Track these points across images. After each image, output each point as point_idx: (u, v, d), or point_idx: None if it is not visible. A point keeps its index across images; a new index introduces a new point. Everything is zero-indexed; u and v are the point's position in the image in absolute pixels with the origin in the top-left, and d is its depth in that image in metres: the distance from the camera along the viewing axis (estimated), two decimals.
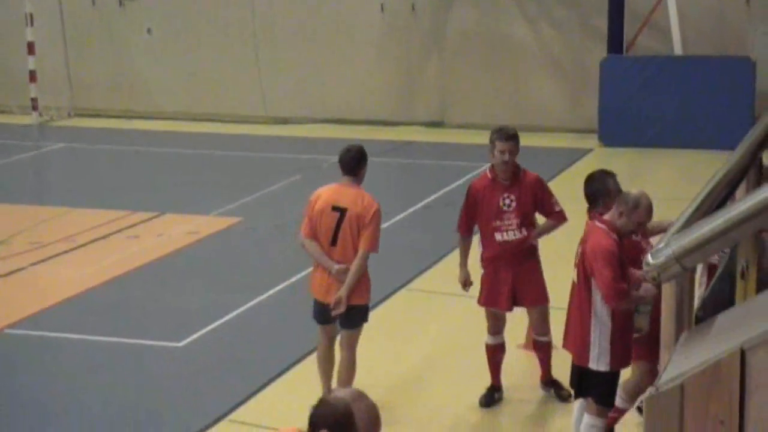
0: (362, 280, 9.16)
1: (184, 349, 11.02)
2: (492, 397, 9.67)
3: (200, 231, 15.52)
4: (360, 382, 10.11)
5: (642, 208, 7.86)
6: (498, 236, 9.41)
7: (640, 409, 9.10)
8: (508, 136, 9.52)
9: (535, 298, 9.54)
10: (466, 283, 9.67)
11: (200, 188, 18.40)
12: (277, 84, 24.95)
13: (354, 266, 9.04)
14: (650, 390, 2.88)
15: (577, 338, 7.94)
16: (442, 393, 9.92)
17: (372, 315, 11.82)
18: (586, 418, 7.99)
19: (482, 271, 9.62)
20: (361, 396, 4.71)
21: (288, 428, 4.69)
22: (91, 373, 10.50)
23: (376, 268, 13.61)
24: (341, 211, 9.20)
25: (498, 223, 9.39)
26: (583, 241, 7.97)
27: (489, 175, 9.59)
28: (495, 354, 9.76)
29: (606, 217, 7.92)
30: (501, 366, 9.77)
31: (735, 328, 2.98)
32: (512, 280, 9.45)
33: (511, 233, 9.40)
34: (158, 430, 9.20)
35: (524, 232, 9.40)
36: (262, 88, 24.95)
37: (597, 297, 7.77)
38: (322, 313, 9.27)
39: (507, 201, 9.40)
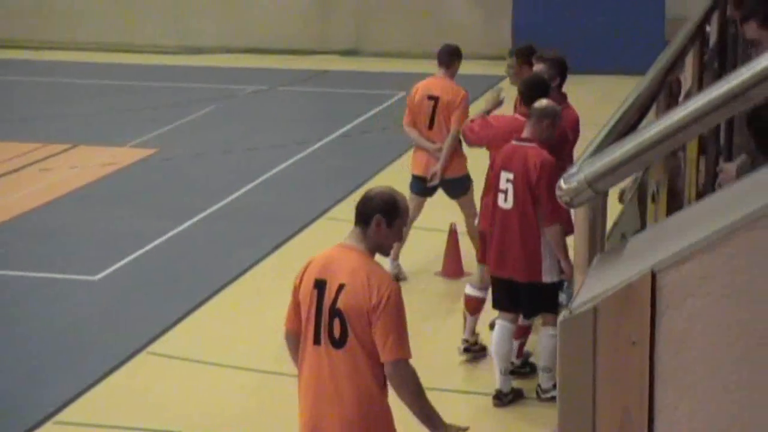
0: (455, 156, 10.51)
1: (100, 282, 10.91)
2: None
3: (116, 162, 15.33)
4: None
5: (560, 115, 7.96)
6: None
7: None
8: (539, 57, 9.14)
9: None
10: None
11: (114, 120, 18.15)
12: (191, 13, 24.61)
13: (446, 145, 10.47)
14: (564, 313, 2.91)
15: (524, 258, 8.04)
16: None
17: (290, 245, 11.87)
18: (548, 330, 8.13)
19: None
20: (394, 189, 5.69)
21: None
22: (2, 309, 10.36)
23: (294, 197, 13.68)
24: (435, 99, 10.67)
25: None
26: (510, 163, 8.00)
27: None
28: None
29: (526, 135, 7.97)
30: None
31: (646, 250, 3.02)
32: None
33: None
34: (74, 367, 9.12)
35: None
36: (175, 17, 24.59)
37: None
38: (419, 185, 10.70)
39: None
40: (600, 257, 3.23)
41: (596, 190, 3.09)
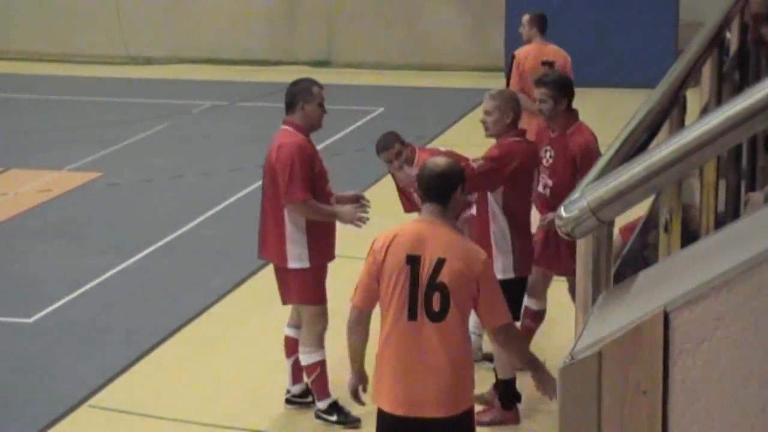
0: None
1: (35, 326, 10.87)
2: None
3: (53, 188, 15.29)
4: (233, 365, 10.11)
5: None
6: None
7: None
8: (540, 81, 9.24)
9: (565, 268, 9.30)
10: None
11: (51, 140, 18.10)
12: (138, 19, 24.61)
13: None
14: (565, 359, 2.91)
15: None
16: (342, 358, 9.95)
17: (249, 284, 11.81)
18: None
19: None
20: (445, 153, 7.50)
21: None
22: None
23: (254, 229, 13.56)
24: (550, 65, 12.15)
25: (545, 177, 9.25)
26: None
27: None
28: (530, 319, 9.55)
29: None
30: (533, 334, 9.52)
31: (657, 287, 3.02)
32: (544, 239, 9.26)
33: (541, 189, 9.18)
34: (4, 422, 9.08)
35: (547, 192, 9.11)
36: (120, 23, 24.59)
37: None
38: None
39: (547, 154, 9.18)
40: (605, 295, 3.24)
41: (601, 219, 3.10)
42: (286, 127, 8.91)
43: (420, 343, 6.32)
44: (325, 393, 8.86)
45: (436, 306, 6.27)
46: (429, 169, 6.49)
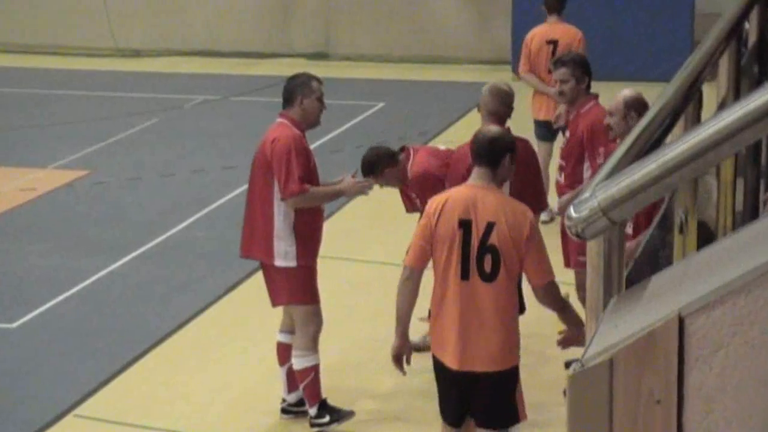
0: None
1: (18, 331, 10.88)
2: None
3: (37, 187, 15.29)
4: (226, 372, 10.11)
5: None
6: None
7: None
8: (559, 61, 9.60)
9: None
10: None
11: (36, 136, 18.10)
12: (126, 9, 24.61)
13: None
14: (575, 366, 2.91)
15: None
16: (340, 362, 9.96)
17: (243, 288, 11.81)
18: None
19: None
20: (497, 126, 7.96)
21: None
22: None
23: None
24: (554, 43, 13.05)
25: (560, 159, 9.50)
26: None
27: None
28: None
29: None
30: None
31: (672, 290, 3.02)
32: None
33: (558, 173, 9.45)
34: None
35: (561, 178, 9.34)
36: (108, 14, 24.59)
37: None
38: (543, 130, 13.14)
39: (567, 135, 9.50)
40: (617, 299, 3.24)
41: (612, 219, 3.10)
42: (282, 120, 8.95)
43: (474, 302, 7.02)
44: (317, 399, 8.86)
45: (487, 267, 6.99)
46: (482, 135, 7.29)
